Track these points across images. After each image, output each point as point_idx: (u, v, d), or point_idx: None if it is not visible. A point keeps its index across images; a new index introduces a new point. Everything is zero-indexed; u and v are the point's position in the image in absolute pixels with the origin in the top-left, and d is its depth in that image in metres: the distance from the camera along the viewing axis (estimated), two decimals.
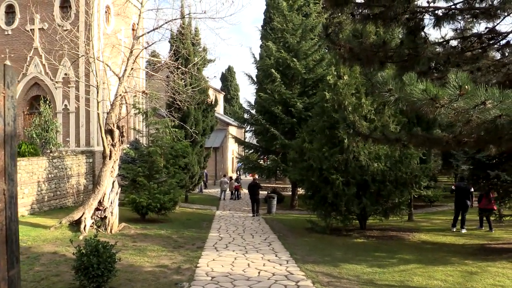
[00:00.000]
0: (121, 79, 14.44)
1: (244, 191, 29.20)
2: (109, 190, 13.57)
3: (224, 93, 59.84)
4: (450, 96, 3.75)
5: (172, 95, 16.76)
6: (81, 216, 12.85)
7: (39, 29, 22.29)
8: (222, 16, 20.11)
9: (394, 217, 14.95)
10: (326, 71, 14.93)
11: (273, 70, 22.70)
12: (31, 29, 22.28)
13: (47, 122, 18.98)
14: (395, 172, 13.54)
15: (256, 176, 24.12)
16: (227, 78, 66.76)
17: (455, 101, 3.76)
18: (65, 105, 22.50)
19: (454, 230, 14.69)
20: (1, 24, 22.92)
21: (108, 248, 7.51)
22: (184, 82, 17.54)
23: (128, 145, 20.89)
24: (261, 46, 27.96)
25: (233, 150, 42.85)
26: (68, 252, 10.07)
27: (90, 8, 16.04)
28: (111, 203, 13.59)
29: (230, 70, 67.40)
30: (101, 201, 13.34)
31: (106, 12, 23.29)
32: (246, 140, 32.80)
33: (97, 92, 13.80)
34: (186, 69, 16.05)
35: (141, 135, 18.84)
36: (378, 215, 14.62)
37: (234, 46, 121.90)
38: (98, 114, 13.94)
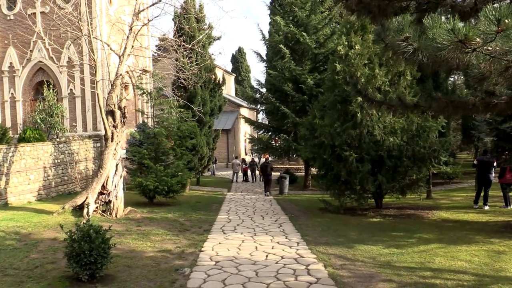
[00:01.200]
0: (121, 57, 13.79)
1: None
2: (113, 173, 13.08)
3: (235, 75, 58.95)
4: (485, 35, 2.98)
5: (177, 74, 16.06)
6: (84, 201, 12.40)
7: (40, 12, 21.72)
8: None
9: (411, 194, 14.18)
10: (337, 43, 14.00)
11: (282, 46, 21.79)
12: (32, 13, 21.76)
13: (52, 107, 18.55)
14: (412, 146, 12.71)
15: (268, 157, 23.46)
16: (238, 59, 65.67)
17: (490, 42, 3.00)
18: (71, 89, 22.02)
19: (477, 207, 13.85)
20: (3, 9, 22.40)
21: (101, 233, 6.96)
22: (189, 60, 16.84)
23: (135, 128, 20.39)
24: (270, 23, 26.98)
25: (245, 132, 42.18)
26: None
27: None
28: (115, 186, 13.10)
29: (240, 51, 66.25)
30: (105, 185, 12.86)
31: None
32: (259, 121, 32.07)
33: (95, 71, 13.20)
34: (190, 46, 15.32)
35: (146, 116, 18.25)
36: (395, 193, 13.86)
37: (242, 25, 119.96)
38: (97, 94, 13.35)
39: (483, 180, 13.70)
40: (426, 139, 12.80)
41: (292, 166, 30.65)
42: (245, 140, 43.45)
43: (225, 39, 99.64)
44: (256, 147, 24.86)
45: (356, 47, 13.09)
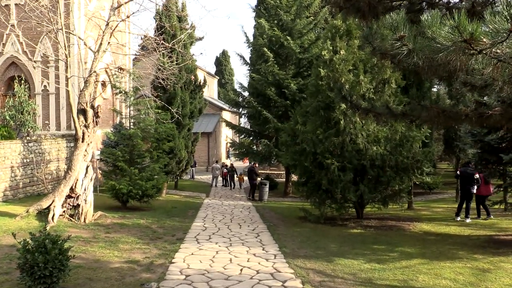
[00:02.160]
0: (96, 54, 13.12)
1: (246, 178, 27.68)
2: (82, 175, 12.36)
3: (219, 78, 58.36)
4: (494, 35, 2.55)
5: (156, 74, 15.44)
6: (50, 204, 11.65)
7: (15, 4, 20.79)
8: None
9: (393, 205, 13.86)
10: (322, 48, 13.62)
11: (265, 49, 21.36)
12: (6, 5, 20.82)
13: (22, 104, 17.66)
14: (395, 156, 12.39)
15: (254, 163, 23.02)
16: (222, 62, 65.09)
17: (500, 43, 2.57)
18: (44, 86, 21.14)
19: (459, 219, 13.61)
20: None
21: (59, 243, 6.31)
22: (170, 59, 16.23)
23: (111, 129, 19.62)
24: (254, 26, 26.59)
25: (226, 136, 41.55)
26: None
27: None
28: (85, 190, 12.39)
29: (224, 54, 65.71)
30: (73, 187, 12.13)
31: None
32: (241, 126, 31.51)
33: (67, 67, 12.48)
34: (169, 45, 14.72)
35: (122, 117, 17.52)
36: (377, 203, 13.51)
37: (226, 28, 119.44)
38: (67, 91, 12.63)
39: (465, 192, 13.47)
40: (410, 149, 12.50)
41: (273, 172, 30.16)
42: (227, 144, 42.88)
43: (208, 41, 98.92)
44: (237, 152, 24.31)
45: (341, 52, 12.72)
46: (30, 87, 21.71)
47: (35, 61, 20.74)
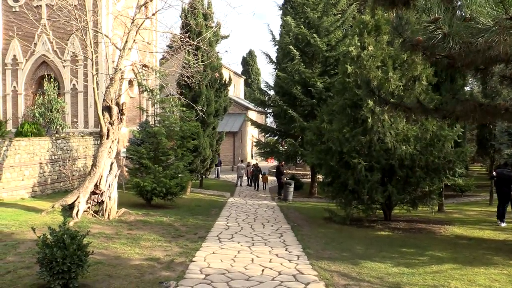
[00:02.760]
0: (121, 51, 13.16)
1: (270, 178, 27.34)
2: (107, 172, 12.40)
3: (245, 77, 58.32)
4: None
5: (181, 71, 15.40)
6: (75, 200, 11.73)
7: (46, 5, 21.23)
8: None
9: (423, 207, 13.32)
10: (349, 44, 13.23)
11: (291, 47, 21.05)
12: (38, 5, 21.32)
13: (51, 102, 17.99)
14: (426, 156, 11.87)
15: (271, 161, 22.93)
16: (248, 62, 65.06)
17: None
18: (74, 84, 21.51)
19: (505, 225, 12.84)
20: (8, 0, 21.98)
21: (78, 238, 6.24)
22: (196, 57, 16.17)
23: (138, 127, 19.76)
24: (281, 25, 26.34)
25: (252, 135, 41.42)
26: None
27: None
28: (109, 186, 12.43)
29: (251, 54, 65.63)
30: (98, 184, 12.19)
31: None
32: (266, 125, 31.28)
33: (92, 64, 12.56)
34: (195, 43, 14.65)
35: (147, 114, 17.59)
36: (405, 205, 13.01)
37: (253, 27, 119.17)
38: (93, 88, 12.70)
39: (502, 195, 12.80)
40: (441, 149, 11.96)
41: (298, 172, 29.82)
42: (252, 143, 42.73)
43: (235, 40, 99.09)
44: (262, 151, 24.11)
45: (369, 48, 12.31)
46: (60, 85, 22.15)
47: (64, 60, 21.12)
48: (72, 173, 18.36)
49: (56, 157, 17.44)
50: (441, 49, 3.26)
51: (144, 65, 15.23)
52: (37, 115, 17.61)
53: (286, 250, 9.31)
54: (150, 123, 18.83)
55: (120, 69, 12.97)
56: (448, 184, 12.63)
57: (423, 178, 12.04)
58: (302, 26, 21.70)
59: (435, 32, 3.18)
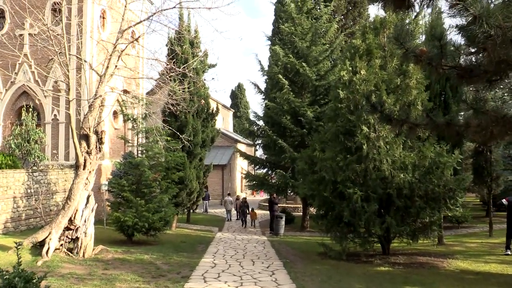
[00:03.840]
0: (102, 77, 12.49)
1: (260, 212, 26.15)
2: (83, 206, 11.45)
3: (234, 111, 58.06)
4: None
5: (166, 100, 14.75)
6: (46, 237, 10.70)
7: (29, 34, 20.70)
8: (218, 5, 17.61)
9: (423, 240, 12.49)
10: (341, 69, 12.74)
11: (280, 76, 20.65)
12: (20, 35, 20.77)
13: (29, 132, 17.10)
14: (425, 184, 11.17)
15: (261, 194, 22.01)
16: (237, 95, 65.16)
17: None
18: (55, 115, 20.73)
19: (510, 253, 12.28)
20: None
21: (34, 281, 5.30)
22: (181, 85, 15.55)
23: (121, 159, 18.89)
24: (269, 56, 26.15)
25: (242, 168, 40.58)
26: None
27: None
28: (85, 221, 11.45)
29: (239, 87, 65.84)
30: (72, 219, 11.20)
31: (101, 17, 21.69)
32: (256, 157, 30.51)
33: (69, 89, 11.86)
34: (180, 70, 14.07)
35: (130, 145, 16.78)
36: (405, 238, 12.18)
37: (241, 61, 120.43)
38: (68, 115, 11.94)
39: None
40: (441, 177, 11.28)
41: (289, 205, 28.87)
42: (242, 177, 41.83)
43: (224, 73, 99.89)
44: (251, 183, 23.24)
45: (362, 72, 11.81)
46: (41, 116, 21.35)
47: (46, 90, 20.38)
48: (50, 208, 17.27)
49: (33, 190, 16.39)
50: (450, 59, 2.64)
51: (125, 91, 14.52)
52: (13, 146, 16.68)
53: None
54: (134, 154, 18.00)
55: (100, 96, 12.26)
56: (449, 214, 11.88)
57: (423, 208, 11.29)
58: (290, 56, 21.41)
59: (463, 13, 2.53)
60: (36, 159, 17.65)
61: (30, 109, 17.64)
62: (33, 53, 20.09)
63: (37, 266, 9.40)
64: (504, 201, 13.22)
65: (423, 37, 15.82)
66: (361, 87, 11.55)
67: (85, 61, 12.59)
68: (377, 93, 11.75)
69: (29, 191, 16.20)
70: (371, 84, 11.68)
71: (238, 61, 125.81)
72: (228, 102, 63.26)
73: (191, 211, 23.51)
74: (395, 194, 11.17)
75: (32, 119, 17.55)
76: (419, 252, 13.13)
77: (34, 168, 17.53)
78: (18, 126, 17.41)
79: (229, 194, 27.31)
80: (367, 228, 11.58)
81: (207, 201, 29.70)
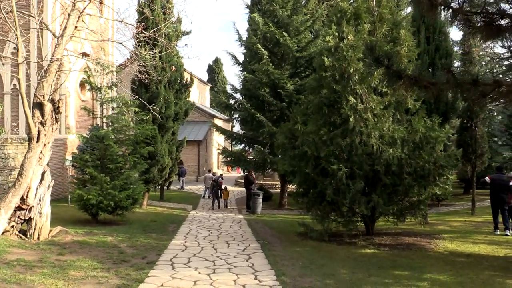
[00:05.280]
0: (59, 39, 11.04)
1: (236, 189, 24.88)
2: (36, 183, 10.17)
3: (211, 85, 56.38)
4: None
5: (133, 66, 13.39)
6: None
7: None
8: None
9: (410, 219, 11.78)
10: (326, 32, 11.62)
11: (259, 46, 19.40)
12: None
13: None
14: (415, 161, 10.34)
15: (237, 171, 20.84)
16: (214, 70, 63.25)
17: None
18: (14, 84, 19.03)
19: (498, 232, 11.74)
20: None
21: None
22: (152, 51, 14.16)
23: (87, 132, 17.47)
24: (248, 29, 24.71)
25: (218, 144, 39.39)
26: None
27: None
28: (40, 200, 10.20)
29: (217, 61, 63.85)
30: (25, 198, 9.93)
31: None
32: (233, 131, 29.35)
33: (18, 50, 10.41)
34: (150, 33, 12.71)
35: (94, 116, 15.38)
36: (391, 217, 11.43)
37: (220, 35, 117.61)
38: (18, 79, 10.53)
39: (498, 201, 11.60)
40: (431, 152, 10.46)
41: (266, 182, 28.03)
42: (218, 153, 40.67)
43: (200, 47, 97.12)
44: (227, 159, 22.19)
45: (349, 38, 10.74)
46: None
47: (4, 57, 18.59)
48: (9, 185, 15.83)
49: None
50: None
51: (84, 54, 13.06)
52: None
53: (255, 278, 7.42)
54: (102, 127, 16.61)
55: (58, 59, 10.82)
56: (438, 192, 11.18)
57: (411, 186, 10.49)
58: (270, 24, 20.11)
59: None
60: None
61: None
62: None
63: None
64: (486, 179, 12.72)
65: None
66: (348, 54, 10.51)
67: (43, 23, 11.07)
68: (365, 61, 10.75)
69: None
70: (359, 50, 10.62)
71: (215, 36, 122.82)
72: (205, 76, 61.46)
73: (167, 188, 22.37)
74: (382, 171, 10.31)
75: None
76: (403, 231, 12.44)
77: None
78: None
79: (209, 171, 26.11)
80: (351, 208, 10.75)
81: (183, 178, 28.56)
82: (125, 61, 19.72)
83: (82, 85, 21.32)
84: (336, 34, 11.09)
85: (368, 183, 10.74)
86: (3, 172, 15.92)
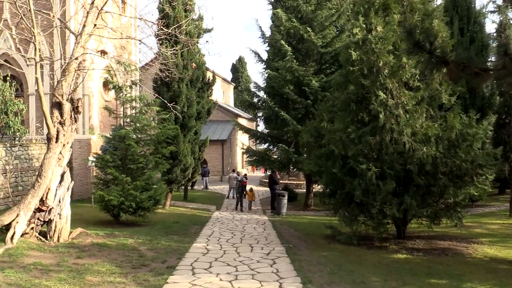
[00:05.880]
0: (78, 37, 10.85)
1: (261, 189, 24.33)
2: (56, 184, 9.99)
3: (235, 85, 56.13)
4: None
5: (154, 65, 13.12)
6: (13, 220, 9.29)
7: None
8: None
9: (446, 222, 11.03)
10: (353, 24, 11.00)
11: (283, 42, 18.87)
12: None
13: (7, 103, 15.54)
14: (451, 160, 9.63)
15: (263, 171, 20.30)
16: (238, 69, 63.01)
17: None
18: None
19: None
20: None
21: None
22: (173, 49, 13.87)
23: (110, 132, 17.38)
24: (271, 26, 24.18)
25: (243, 143, 39.02)
26: None
27: None
28: (59, 201, 10.01)
29: (241, 60, 63.60)
30: (44, 199, 9.76)
31: None
32: (257, 130, 28.88)
33: (35, 49, 10.25)
34: (170, 31, 12.42)
35: (114, 115, 15.20)
36: (425, 220, 10.73)
37: (243, 34, 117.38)
38: (36, 79, 10.38)
39: None
40: (469, 151, 9.72)
41: (291, 182, 27.51)
42: (242, 153, 40.28)
43: (223, 46, 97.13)
44: (251, 159, 21.76)
45: (378, 29, 10.11)
46: (24, 87, 19.83)
47: (28, 58, 18.71)
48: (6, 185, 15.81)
49: (11, 167, 15.00)
50: None
51: (102, 51, 12.87)
52: None
53: (280, 286, 6.94)
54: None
55: (76, 58, 10.63)
56: (475, 194, 10.41)
57: (447, 187, 9.78)
58: (294, 20, 19.56)
59: None
60: (16, 132, 16.15)
61: (8, 78, 15.99)
62: (14, 18, 18.38)
63: None
64: None
65: None
66: (377, 46, 9.89)
67: (60, 20, 10.91)
68: (396, 53, 10.11)
69: (7, 167, 14.81)
70: (389, 42, 10.00)
71: (240, 36, 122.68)
72: (229, 76, 61.29)
73: (191, 188, 22.13)
74: (415, 171, 9.64)
75: (10, 89, 15.93)
76: (437, 235, 11.72)
77: (16, 142, 16.07)
78: None
79: (233, 171, 25.74)
80: (381, 209, 10.12)
81: (207, 178, 28.33)
82: (148, 62, 19.66)
83: (105, 85, 21.30)
84: (364, 26, 10.47)
85: (400, 183, 10.08)
86: (27, 172, 16.02)
